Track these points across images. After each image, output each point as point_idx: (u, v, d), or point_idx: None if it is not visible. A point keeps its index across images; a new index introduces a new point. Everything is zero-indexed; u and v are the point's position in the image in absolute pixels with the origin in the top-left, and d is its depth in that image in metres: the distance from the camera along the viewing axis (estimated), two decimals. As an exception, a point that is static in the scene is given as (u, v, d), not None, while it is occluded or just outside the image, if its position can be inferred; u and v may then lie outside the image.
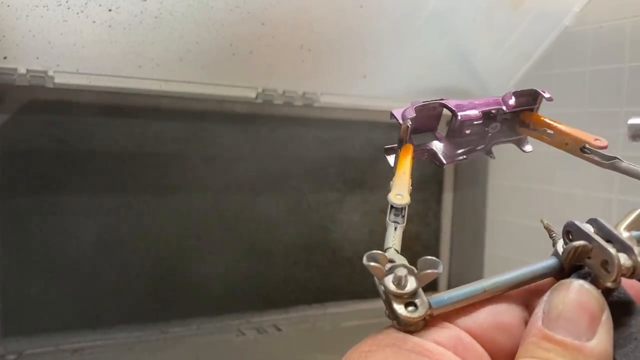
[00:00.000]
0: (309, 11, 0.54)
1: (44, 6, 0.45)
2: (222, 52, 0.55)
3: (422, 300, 0.19)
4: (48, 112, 0.56)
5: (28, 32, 0.47)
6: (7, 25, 0.46)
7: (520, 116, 0.28)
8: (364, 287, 0.75)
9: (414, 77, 0.68)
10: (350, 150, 0.72)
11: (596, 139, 0.27)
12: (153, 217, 0.62)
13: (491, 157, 0.29)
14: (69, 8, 0.46)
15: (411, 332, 0.19)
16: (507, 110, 0.27)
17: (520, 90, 0.27)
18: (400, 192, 0.24)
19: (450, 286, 0.79)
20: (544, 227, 0.24)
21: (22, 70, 0.50)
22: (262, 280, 0.66)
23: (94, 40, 0.50)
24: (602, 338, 0.18)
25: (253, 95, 0.62)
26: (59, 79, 0.52)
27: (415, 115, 0.24)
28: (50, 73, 0.51)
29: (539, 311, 0.19)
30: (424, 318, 0.19)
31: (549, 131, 0.28)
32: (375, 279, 0.20)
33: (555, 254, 0.21)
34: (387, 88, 0.68)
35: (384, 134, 0.74)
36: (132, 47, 0.51)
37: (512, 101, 0.27)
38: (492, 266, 0.76)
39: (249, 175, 0.66)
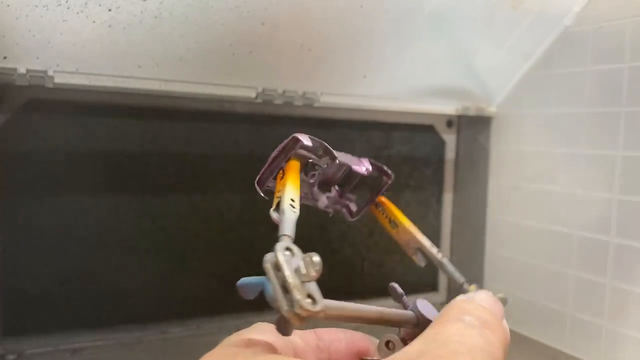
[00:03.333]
0: (309, 11, 0.54)
1: (44, 6, 0.45)
2: (222, 52, 0.55)
3: (319, 296, 0.19)
4: (48, 112, 0.56)
5: (28, 32, 0.47)
6: (7, 25, 0.46)
7: (377, 197, 0.31)
8: (363, 287, 0.75)
9: (414, 77, 0.68)
10: (350, 151, 0.72)
11: (432, 246, 0.30)
12: (153, 217, 0.62)
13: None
14: (69, 8, 0.46)
15: (284, 333, 0.20)
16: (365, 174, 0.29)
17: (374, 162, 0.30)
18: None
19: (450, 286, 0.80)
20: (394, 294, 0.26)
21: (22, 70, 0.50)
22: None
23: (94, 40, 0.50)
24: (506, 324, 0.23)
25: (253, 95, 0.62)
26: (59, 79, 0.52)
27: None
28: (50, 73, 0.51)
29: (459, 297, 0.24)
30: (308, 316, 0.19)
31: (395, 222, 0.31)
32: (270, 267, 0.19)
33: (414, 310, 0.24)
34: (387, 88, 0.68)
35: (384, 133, 0.74)
36: (132, 47, 0.51)
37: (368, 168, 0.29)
38: (492, 266, 0.76)
39: (249, 175, 0.65)
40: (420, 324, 0.24)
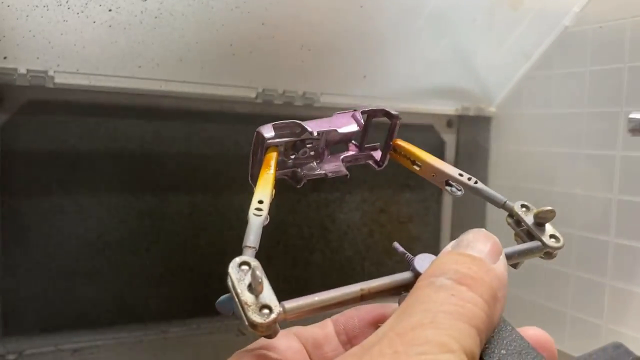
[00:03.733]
0: (309, 11, 0.54)
1: (44, 6, 0.45)
2: (222, 52, 0.55)
3: (275, 302, 0.19)
4: (48, 112, 0.56)
5: (28, 32, 0.47)
6: (7, 25, 0.46)
7: (391, 141, 0.30)
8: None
9: (414, 77, 0.68)
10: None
11: (460, 174, 0.29)
12: (153, 217, 0.62)
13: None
14: (69, 8, 0.46)
15: (268, 337, 0.20)
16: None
17: (370, 109, 0.29)
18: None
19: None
20: (398, 252, 0.26)
21: (23, 70, 0.50)
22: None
23: (94, 40, 0.50)
24: (501, 265, 0.20)
25: (253, 95, 0.62)
26: (59, 79, 0.52)
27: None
28: (51, 73, 0.51)
29: (446, 247, 0.21)
30: (277, 321, 0.19)
31: (418, 162, 0.30)
32: (230, 285, 0.20)
33: (413, 270, 0.23)
34: (387, 88, 0.68)
35: (384, 134, 0.74)
36: (132, 47, 0.52)
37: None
38: (492, 266, 0.76)
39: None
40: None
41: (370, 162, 0.30)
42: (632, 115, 0.42)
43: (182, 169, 0.63)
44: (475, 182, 0.28)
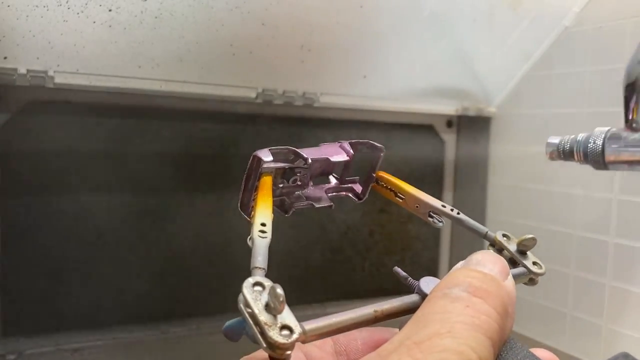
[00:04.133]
0: (309, 11, 0.54)
1: (44, 6, 0.45)
2: (222, 52, 0.55)
3: (295, 323, 0.19)
4: (48, 112, 0.56)
5: (28, 32, 0.47)
6: (7, 26, 0.46)
7: (374, 173, 0.30)
8: (363, 287, 0.75)
9: (414, 77, 0.68)
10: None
11: (443, 205, 0.29)
12: (153, 217, 0.62)
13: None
14: (69, 8, 0.46)
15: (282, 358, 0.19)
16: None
17: (356, 141, 0.29)
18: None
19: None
20: (400, 276, 0.26)
21: (23, 71, 0.50)
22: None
23: (94, 40, 0.50)
24: (511, 283, 0.22)
25: (253, 95, 0.62)
26: (59, 79, 0.52)
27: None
28: (51, 73, 0.51)
29: (456, 265, 0.22)
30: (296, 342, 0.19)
31: (400, 194, 0.30)
32: (243, 307, 0.19)
33: (418, 291, 0.23)
34: (387, 88, 0.68)
35: (384, 134, 0.74)
36: (132, 47, 0.52)
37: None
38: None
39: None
40: None
41: (351, 194, 0.31)
42: (549, 140, 0.43)
43: (182, 169, 0.63)
44: (458, 213, 0.29)
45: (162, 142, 0.62)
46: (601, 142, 0.39)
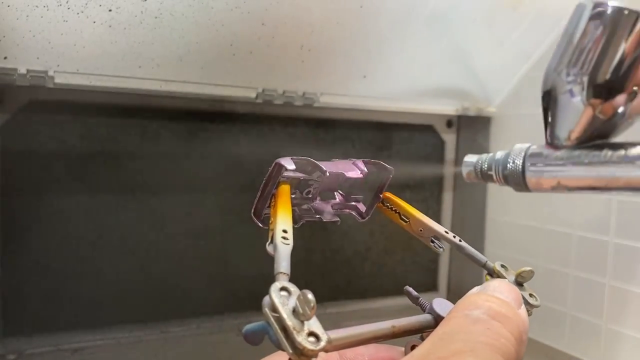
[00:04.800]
0: (309, 11, 0.54)
1: (44, 6, 0.45)
2: (222, 52, 0.55)
3: (322, 331, 0.19)
4: (48, 112, 0.56)
5: (28, 32, 0.47)
6: (7, 26, 0.46)
7: (381, 194, 0.31)
8: (363, 287, 0.75)
9: (414, 77, 0.68)
10: (350, 151, 0.72)
11: (446, 232, 0.30)
12: (153, 217, 0.62)
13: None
14: (69, 8, 0.46)
15: None
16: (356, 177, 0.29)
17: (368, 160, 0.30)
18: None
19: (450, 286, 0.80)
20: (410, 297, 0.27)
21: (22, 71, 0.50)
22: (262, 280, 0.66)
23: (94, 40, 0.50)
24: (524, 312, 0.23)
25: (253, 95, 0.62)
26: (59, 79, 0.52)
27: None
28: (51, 73, 0.51)
29: (471, 290, 0.23)
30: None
31: (405, 216, 0.30)
32: (268, 311, 0.19)
33: (431, 311, 0.24)
34: (387, 88, 0.68)
35: (384, 134, 0.74)
36: (132, 47, 0.52)
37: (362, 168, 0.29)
38: (492, 266, 0.76)
39: (249, 175, 0.66)
40: (438, 323, 0.23)
41: (354, 213, 0.31)
42: (466, 159, 0.38)
43: (182, 169, 0.63)
44: (460, 241, 0.29)
45: (162, 142, 0.62)
46: (521, 162, 0.34)
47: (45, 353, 0.57)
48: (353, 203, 0.31)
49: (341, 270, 0.73)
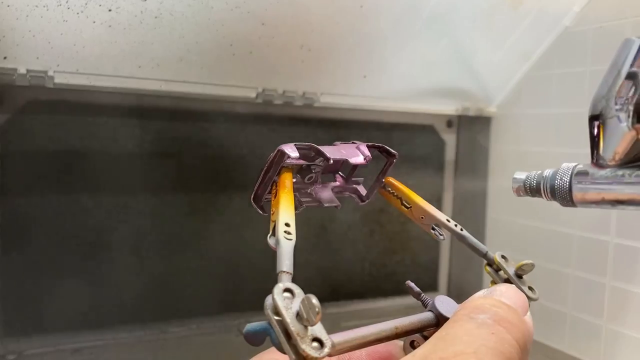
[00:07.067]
0: (309, 11, 0.54)
1: (44, 6, 0.45)
2: (222, 52, 0.55)
3: (326, 336, 0.18)
4: (48, 112, 0.56)
5: (28, 32, 0.47)
6: (7, 26, 0.46)
7: (383, 178, 0.30)
8: (363, 287, 0.75)
9: (414, 77, 0.68)
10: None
11: (448, 220, 0.29)
12: (153, 217, 0.62)
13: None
14: (69, 8, 0.46)
15: None
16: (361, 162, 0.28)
17: (372, 144, 0.29)
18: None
19: (450, 286, 0.80)
20: (412, 293, 0.26)
21: (22, 70, 0.50)
22: (262, 281, 0.66)
23: (94, 40, 0.50)
24: (530, 320, 0.23)
25: (253, 95, 0.62)
26: (59, 79, 0.52)
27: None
28: (50, 73, 0.51)
29: (478, 292, 0.23)
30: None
31: (405, 201, 0.30)
32: (271, 313, 0.18)
33: (432, 308, 0.24)
34: (387, 88, 0.68)
35: (384, 134, 0.74)
36: (132, 47, 0.52)
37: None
38: (492, 266, 0.76)
39: (249, 175, 0.66)
40: (441, 323, 0.23)
41: (355, 195, 0.30)
42: (515, 176, 0.42)
43: (182, 169, 0.63)
44: (461, 229, 0.29)
45: (162, 142, 0.62)
46: (568, 179, 0.38)
47: (45, 353, 0.57)
48: (354, 186, 0.30)
49: (341, 270, 0.73)
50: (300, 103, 0.64)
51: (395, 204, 0.30)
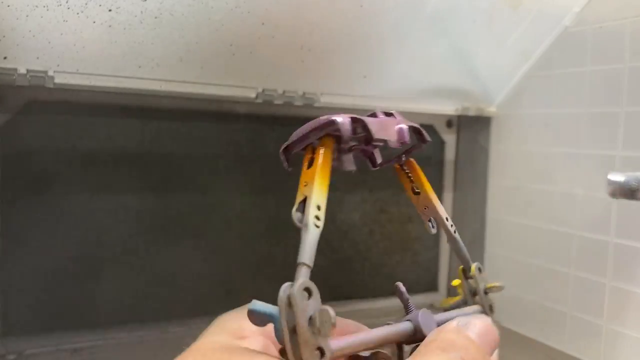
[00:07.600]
0: (309, 11, 0.54)
1: (44, 6, 0.45)
2: (222, 52, 0.55)
3: (328, 347, 0.18)
4: (48, 112, 0.56)
5: (28, 32, 0.47)
6: (7, 26, 0.46)
7: (405, 157, 0.29)
8: (363, 287, 0.75)
9: (414, 77, 0.68)
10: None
11: (447, 220, 0.29)
12: (153, 217, 0.62)
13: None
14: (69, 8, 0.46)
15: None
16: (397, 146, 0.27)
17: (412, 125, 0.27)
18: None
19: (450, 286, 0.79)
20: (400, 296, 0.26)
21: (22, 70, 0.50)
22: (262, 280, 0.66)
23: (94, 40, 0.50)
24: (497, 357, 0.24)
25: (253, 95, 0.62)
26: (59, 79, 0.52)
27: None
28: (50, 73, 0.51)
29: (453, 322, 0.24)
30: None
31: (416, 187, 0.29)
32: (284, 305, 0.18)
33: (415, 322, 0.24)
34: (387, 88, 0.68)
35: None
36: (132, 47, 0.52)
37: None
38: (492, 266, 0.76)
39: (250, 175, 0.66)
40: (417, 334, 0.24)
41: (369, 159, 0.29)
42: (611, 177, 0.40)
43: (182, 169, 0.63)
44: (455, 232, 0.29)
45: (162, 142, 0.62)
46: None
47: (45, 353, 0.57)
48: (371, 149, 0.28)
49: (341, 270, 0.73)
50: (300, 103, 0.64)
51: (405, 185, 0.29)
